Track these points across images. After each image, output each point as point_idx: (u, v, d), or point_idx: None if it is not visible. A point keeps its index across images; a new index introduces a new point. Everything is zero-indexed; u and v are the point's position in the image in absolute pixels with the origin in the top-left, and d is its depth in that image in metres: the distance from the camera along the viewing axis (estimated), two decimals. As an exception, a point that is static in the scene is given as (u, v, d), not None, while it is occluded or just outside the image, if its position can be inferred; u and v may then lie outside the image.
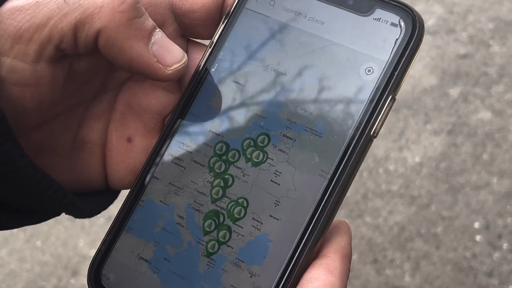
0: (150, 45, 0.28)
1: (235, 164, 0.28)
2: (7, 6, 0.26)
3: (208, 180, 0.28)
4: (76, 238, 1.32)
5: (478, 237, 1.13)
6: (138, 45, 0.28)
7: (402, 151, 1.29)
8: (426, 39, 1.46)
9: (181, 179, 0.29)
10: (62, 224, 1.34)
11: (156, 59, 0.28)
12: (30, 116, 0.28)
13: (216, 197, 0.28)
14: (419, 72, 1.40)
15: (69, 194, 0.29)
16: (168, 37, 0.32)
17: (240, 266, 0.27)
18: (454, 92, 1.35)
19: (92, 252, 1.29)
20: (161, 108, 0.32)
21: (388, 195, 1.23)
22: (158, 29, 0.29)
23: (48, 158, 0.31)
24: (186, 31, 0.33)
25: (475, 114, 1.30)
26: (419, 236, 1.16)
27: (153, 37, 0.28)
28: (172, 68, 0.29)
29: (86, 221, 1.32)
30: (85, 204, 0.31)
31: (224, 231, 0.27)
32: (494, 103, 1.31)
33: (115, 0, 0.26)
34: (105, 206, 0.33)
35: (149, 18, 0.29)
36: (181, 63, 0.29)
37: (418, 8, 1.53)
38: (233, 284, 0.27)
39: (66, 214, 0.31)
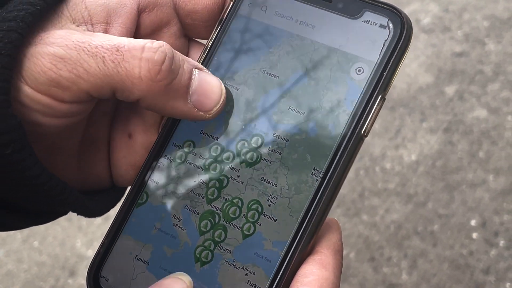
0: (189, 99, 0.29)
1: (230, 165, 0.29)
2: (47, 50, 0.27)
3: (204, 181, 0.29)
4: (74, 238, 1.32)
5: (474, 235, 1.14)
6: (178, 103, 0.29)
7: (398, 149, 1.29)
8: (422, 37, 1.47)
9: (177, 181, 0.30)
10: (59, 224, 1.34)
11: (196, 109, 0.29)
12: (48, 130, 0.29)
13: (212, 197, 0.28)
14: (415, 70, 1.41)
15: (80, 197, 0.30)
16: (173, 37, 0.33)
17: (235, 265, 0.27)
18: (450, 90, 1.36)
19: (90, 252, 1.29)
20: None
21: (385, 193, 1.23)
22: (195, 72, 0.29)
23: (59, 157, 0.32)
24: (188, 31, 0.34)
25: (471, 112, 1.31)
26: (416, 234, 1.16)
27: (191, 88, 0.29)
28: (212, 112, 0.30)
29: (83, 221, 1.32)
30: (95, 204, 0.32)
31: (220, 231, 0.28)
32: (489, 101, 1.31)
33: (151, 70, 0.27)
34: (113, 204, 0.34)
35: (185, 68, 0.29)
36: (219, 104, 0.30)
37: (414, 6, 1.53)
38: (229, 283, 0.27)
39: (77, 214, 0.32)
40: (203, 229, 0.28)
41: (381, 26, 0.30)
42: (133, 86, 0.27)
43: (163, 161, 0.30)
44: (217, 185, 0.28)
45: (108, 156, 0.34)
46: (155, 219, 0.29)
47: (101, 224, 1.32)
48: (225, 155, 0.29)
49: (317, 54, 0.31)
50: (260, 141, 0.29)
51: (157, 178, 0.30)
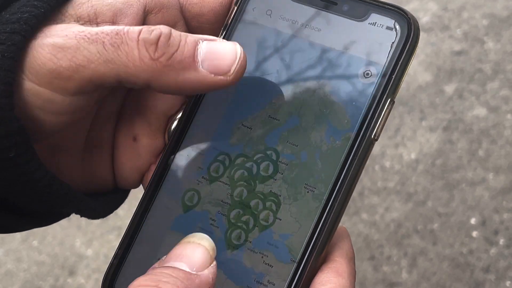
0: (200, 66, 0.27)
1: (248, 182, 0.32)
2: (46, 41, 0.26)
3: (230, 194, 0.32)
4: (73, 237, 1.32)
5: (474, 233, 1.14)
6: (189, 74, 0.27)
7: (398, 148, 1.29)
8: (421, 36, 1.47)
9: (212, 194, 0.33)
10: (59, 223, 1.33)
11: (213, 74, 0.28)
12: (51, 129, 0.29)
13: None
14: (414, 69, 1.41)
15: (85, 199, 0.30)
16: None
17: (254, 251, 0.31)
18: (449, 88, 1.36)
19: (89, 252, 1.29)
20: (166, 108, 0.33)
21: (385, 192, 1.23)
22: (202, 42, 0.28)
23: (62, 158, 0.32)
24: (195, 33, 0.33)
25: (471, 110, 1.31)
26: (415, 233, 1.17)
27: (199, 56, 0.28)
28: (231, 72, 0.28)
29: (82, 220, 1.32)
30: (99, 205, 0.32)
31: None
32: (489, 100, 1.31)
33: (148, 49, 0.26)
34: (117, 206, 0.35)
35: (188, 40, 0.28)
36: (237, 61, 0.28)
37: (413, 5, 1.54)
38: (250, 262, 0.31)
39: (81, 216, 0.32)
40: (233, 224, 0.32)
41: (388, 28, 0.30)
42: (135, 69, 0.26)
43: (202, 181, 0.33)
44: (240, 196, 0.32)
45: (112, 158, 0.34)
46: (197, 220, 0.33)
47: (101, 224, 1.31)
48: (245, 175, 0.32)
49: (323, 58, 0.31)
50: (270, 167, 0.32)
51: (199, 190, 0.33)
